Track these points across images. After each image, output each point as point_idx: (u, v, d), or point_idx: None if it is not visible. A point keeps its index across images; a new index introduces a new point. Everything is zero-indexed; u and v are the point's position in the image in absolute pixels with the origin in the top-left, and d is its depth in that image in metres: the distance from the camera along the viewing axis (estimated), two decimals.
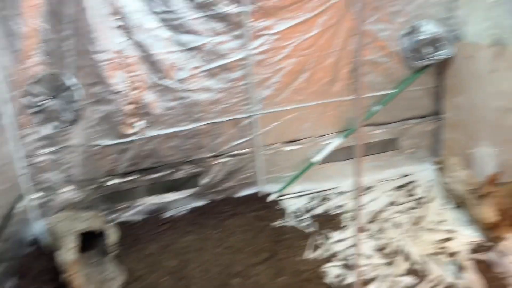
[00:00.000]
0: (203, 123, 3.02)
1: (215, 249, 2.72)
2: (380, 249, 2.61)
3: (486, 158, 2.96)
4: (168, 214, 3.16)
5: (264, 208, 3.19)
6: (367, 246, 2.65)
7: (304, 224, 2.95)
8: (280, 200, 3.29)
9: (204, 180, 3.17)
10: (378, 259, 2.51)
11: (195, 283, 2.41)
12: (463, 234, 2.66)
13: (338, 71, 3.14)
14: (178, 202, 3.18)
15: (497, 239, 2.47)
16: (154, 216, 3.12)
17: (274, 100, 3.12)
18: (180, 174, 3.13)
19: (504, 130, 2.74)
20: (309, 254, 2.60)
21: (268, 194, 3.32)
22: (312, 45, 3.03)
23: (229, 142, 3.14)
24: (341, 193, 3.27)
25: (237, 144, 3.16)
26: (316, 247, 2.67)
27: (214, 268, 2.52)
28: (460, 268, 2.32)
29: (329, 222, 2.96)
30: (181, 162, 3.09)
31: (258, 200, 3.28)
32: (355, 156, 1.34)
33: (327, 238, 2.77)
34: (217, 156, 3.15)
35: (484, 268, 2.31)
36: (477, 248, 2.48)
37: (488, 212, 2.53)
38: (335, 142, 3.28)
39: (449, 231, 2.71)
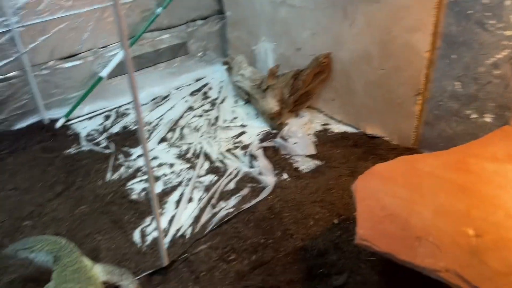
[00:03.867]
0: None
1: None
2: (182, 155, 2.64)
3: (266, 53, 3.17)
4: None
5: (51, 137, 2.82)
6: (169, 155, 2.65)
7: (101, 146, 2.74)
8: (70, 124, 2.95)
9: None
10: (180, 165, 2.54)
11: None
12: (254, 126, 2.88)
13: None
14: None
15: (280, 126, 2.75)
16: None
17: (36, 8, 2.60)
18: None
19: (278, 25, 2.93)
20: (110, 176, 2.46)
21: (55, 121, 2.93)
22: None
23: None
24: None
25: None
26: (117, 168, 2.54)
27: None
28: (253, 158, 2.53)
29: (129, 138, 2.82)
30: None
31: (42, 129, 2.87)
32: (128, 71, 1.20)
33: (128, 155, 2.66)
34: None
35: (272, 153, 2.57)
36: (265, 137, 2.73)
37: (271, 103, 2.77)
38: (122, 53, 3.01)
39: (241, 126, 2.90)
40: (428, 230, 1.35)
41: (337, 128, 2.78)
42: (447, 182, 1.59)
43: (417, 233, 1.34)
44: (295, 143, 2.61)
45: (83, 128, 2.93)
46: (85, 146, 2.73)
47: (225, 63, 3.29)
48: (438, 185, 1.58)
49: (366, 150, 2.51)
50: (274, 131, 2.78)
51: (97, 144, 2.76)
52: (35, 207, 2.21)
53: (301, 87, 2.77)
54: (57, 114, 2.98)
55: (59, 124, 2.90)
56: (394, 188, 1.59)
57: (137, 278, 1.72)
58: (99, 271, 1.62)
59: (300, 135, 2.64)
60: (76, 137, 2.83)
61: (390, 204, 1.50)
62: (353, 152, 2.51)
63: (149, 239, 1.99)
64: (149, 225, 2.08)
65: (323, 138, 2.69)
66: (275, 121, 2.77)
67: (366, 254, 1.79)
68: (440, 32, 1.99)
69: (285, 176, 2.38)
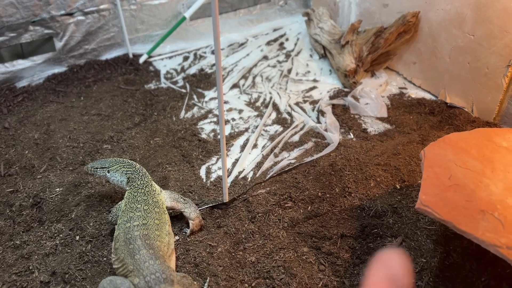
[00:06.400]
0: None
1: (82, 117, 2.55)
2: (251, 103, 2.70)
3: (350, 7, 3.05)
4: (22, 83, 2.80)
5: (134, 71, 3.00)
6: (239, 101, 2.71)
7: (178, 85, 2.87)
8: (152, 61, 3.10)
9: (60, 43, 2.81)
10: (249, 112, 2.60)
11: (63, 152, 2.28)
12: (325, 82, 2.84)
13: None
14: (32, 69, 2.82)
15: (353, 85, 2.69)
16: (6, 86, 2.75)
17: None
18: (28, 37, 2.71)
19: None
20: (184, 114, 2.59)
21: (138, 56, 3.10)
22: None
23: None
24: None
25: None
26: (190, 107, 2.66)
27: (82, 136, 2.39)
28: (320, 113, 2.52)
29: (204, 80, 2.91)
30: (26, 22, 2.64)
31: (126, 62, 3.05)
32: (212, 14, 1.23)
33: (202, 96, 2.76)
34: (70, 14, 2.75)
35: (341, 111, 2.54)
36: (336, 94, 2.69)
37: (347, 60, 2.70)
38: None
39: (313, 80, 2.87)
40: (494, 205, 1.30)
41: (415, 93, 2.66)
42: None
43: (482, 207, 1.30)
44: (366, 103, 2.55)
45: (164, 66, 3.07)
46: (163, 83, 2.87)
47: (305, 14, 3.22)
48: None
49: (442, 119, 2.39)
50: (346, 90, 2.73)
51: (175, 82, 2.89)
52: (115, 133, 2.40)
53: (381, 46, 2.67)
54: (140, 49, 3.14)
55: (142, 59, 3.06)
56: (466, 159, 1.53)
57: (199, 209, 1.85)
58: (166, 197, 1.76)
59: (373, 96, 2.57)
60: (156, 73, 2.98)
61: (459, 174, 1.45)
62: (428, 120, 2.41)
63: (213, 176, 2.11)
64: (214, 163, 2.19)
65: (398, 102, 2.60)
66: (349, 79, 2.71)
67: (424, 222, 1.77)
68: None
69: (351, 135, 2.36)
